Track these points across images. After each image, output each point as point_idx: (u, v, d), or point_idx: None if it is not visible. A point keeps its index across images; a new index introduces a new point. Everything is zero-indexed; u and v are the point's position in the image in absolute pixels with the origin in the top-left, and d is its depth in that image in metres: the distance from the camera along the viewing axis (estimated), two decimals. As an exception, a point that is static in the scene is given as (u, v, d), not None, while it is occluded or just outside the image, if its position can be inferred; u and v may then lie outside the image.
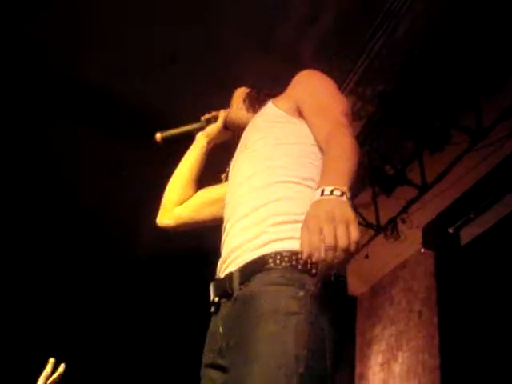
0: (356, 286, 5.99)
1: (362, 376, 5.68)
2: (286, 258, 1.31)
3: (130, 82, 3.75)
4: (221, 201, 1.73)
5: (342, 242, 1.08)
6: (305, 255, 1.11)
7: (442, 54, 3.26)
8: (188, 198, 1.92)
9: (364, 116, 3.92)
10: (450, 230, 4.57)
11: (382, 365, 5.40)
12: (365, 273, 5.64)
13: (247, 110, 1.89)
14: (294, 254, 1.30)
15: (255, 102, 1.86)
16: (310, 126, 1.56)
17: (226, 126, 1.97)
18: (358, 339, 5.96)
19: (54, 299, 5.35)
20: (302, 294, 1.27)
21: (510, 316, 3.92)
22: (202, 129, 1.99)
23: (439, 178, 3.92)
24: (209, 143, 2.00)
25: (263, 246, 1.36)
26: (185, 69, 3.53)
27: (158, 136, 1.96)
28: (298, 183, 1.45)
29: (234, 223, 1.48)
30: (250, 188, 1.50)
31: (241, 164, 1.61)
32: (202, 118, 2.00)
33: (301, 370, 1.17)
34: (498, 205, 4.16)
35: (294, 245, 1.31)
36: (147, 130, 2.17)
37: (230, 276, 1.40)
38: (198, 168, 1.97)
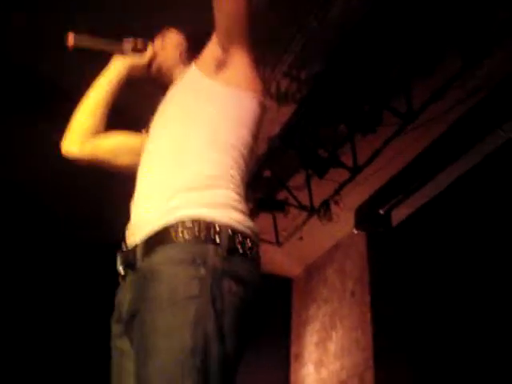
0: (291, 267, 6.07)
1: (298, 356, 5.77)
2: (189, 229, 1.28)
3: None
4: (137, 152, 1.62)
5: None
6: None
7: (375, 36, 3.29)
8: (98, 127, 1.75)
9: (299, 99, 3.91)
10: (381, 212, 4.67)
11: (317, 344, 5.50)
12: (299, 254, 5.71)
13: (183, 63, 1.77)
14: (197, 222, 1.29)
15: (192, 58, 1.73)
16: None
17: (150, 67, 1.80)
18: (294, 320, 6.05)
19: None
20: (203, 272, 1.24)
21: (439, 294, 4.06)
22: (120, 52, 1.80)
23: (370, 160, 3.98)
24: (128, 75, 1.81)
25: (167, 214, 1.33)
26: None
27: (71, 40, 1.71)
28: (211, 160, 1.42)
29: (144, 188, 1.46)
30: (162, 158, 1.47)
31: (156, 136, 1.56)
32: (125, 43, 1.81)
33: (197, 363, 1.17)
34: (427, 186, 4.27)
35: (198, 212, 1.31)
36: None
37: (134, 248, 1.37)
38: (112, 96, 1.79)
